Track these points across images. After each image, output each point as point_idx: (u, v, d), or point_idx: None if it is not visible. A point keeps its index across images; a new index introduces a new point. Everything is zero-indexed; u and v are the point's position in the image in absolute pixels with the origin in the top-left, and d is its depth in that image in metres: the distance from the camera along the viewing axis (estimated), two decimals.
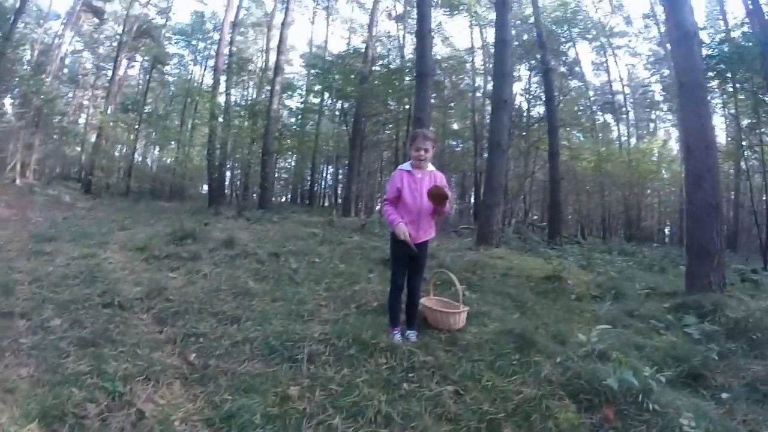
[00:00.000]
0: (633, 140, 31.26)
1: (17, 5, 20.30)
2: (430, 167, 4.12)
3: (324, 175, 38.54)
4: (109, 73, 29.23)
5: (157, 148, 35.10)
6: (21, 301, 4.63)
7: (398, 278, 4.09)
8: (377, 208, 30.08)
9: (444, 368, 3.46)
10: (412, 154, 4.05)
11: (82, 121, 32.64)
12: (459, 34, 47.28)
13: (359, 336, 3.81)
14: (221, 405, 2.91)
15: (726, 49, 15.04)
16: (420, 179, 4.01)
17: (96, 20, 28.25)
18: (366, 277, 6.17)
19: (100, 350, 3.56)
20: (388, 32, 29.67)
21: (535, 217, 29.79)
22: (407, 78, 22.05)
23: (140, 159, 33.11)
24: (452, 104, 28.78)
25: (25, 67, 22.75)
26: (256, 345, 3.77)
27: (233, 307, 4.73)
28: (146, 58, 31.22)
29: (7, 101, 23.52)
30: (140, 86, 33.03)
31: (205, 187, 31.51)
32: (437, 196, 3.92)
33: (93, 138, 28.45)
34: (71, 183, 25.94)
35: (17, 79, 21.58)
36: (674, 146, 30.06)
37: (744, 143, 17.34)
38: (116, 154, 30.17)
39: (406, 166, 4.07)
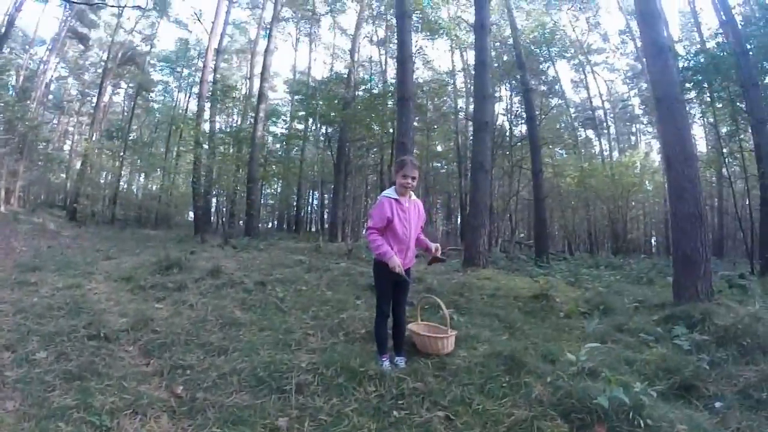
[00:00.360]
0: (615, 154, 31.69)
1: (2, 30, 20.33)
2: (412, 195, 4.13)
3: (310, 200, 38.52)
4: (94, 99, 29.26)
5: (143, 176, 34.94)
6: (6, 332, 4.62)
7: (384, 305, 4.06)
8: (363, 232, 29.98)
9: (434, 394, 3.43)
10: (399, 182, 3.97)
11: (67, 147, 32.63)
12: (440, 58, 47.79)
13: (348, 364, 3.77)
14: None
15: (702, 60, 15.36)
16: (408, 208, 4.01)
17: (81, 47, 28.36)
18: (353, 304, 6.12)
19: (87, 384, 3.54)
20: (370, 57, 30.06)
21: (522, 236, 29.94)
22: (390, 102, 22.25)
23: (125, 186, 32.96)
24: (435, 127, 29.01)
25: (9, 92, 22.72)
26: (244, 376, 3.72)
27: (220, 337, 4.70)
28: (131, 84, 31.33)
29: None
30: (125, 113, 33.04)
31: (191, 215, 31.44)
32: (434, 261, 4.24)
33: (78, 165, 28.28)
34: (56, 210, 25.74)
35: (1, 105, 21.51)
36: (656, 157, 30.55)
37: (724, 150, 17.63)
38: (101, 181, 29.95)
39: (392, 193, 4.00)
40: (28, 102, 23.20)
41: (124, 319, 5.14)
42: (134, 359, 4.20)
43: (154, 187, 33.68)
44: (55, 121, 30.59)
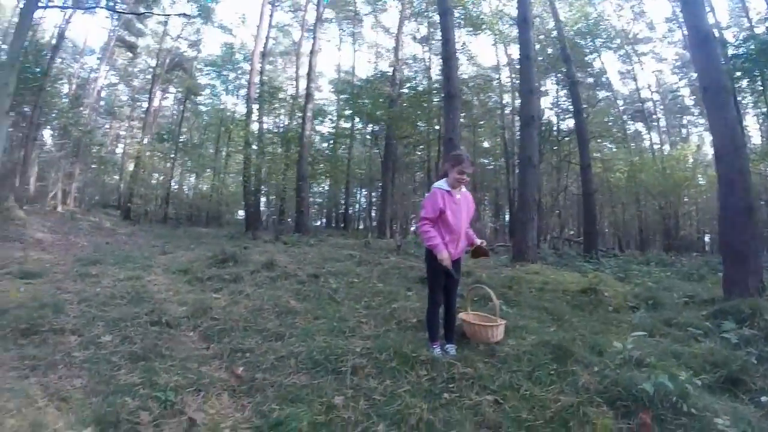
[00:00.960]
0: (666, 148, 30.69)
1: (54, 42, 21.46)
2: (463, 187, 4.23)
3: (358, 198, 38.76)
4: (144, 104, 30.32)
5: (193, 176, 35.80)
6: (72, 318, 4.87)
7: (436, 294, 4.16)
8: (412, 228, 30.08)
9: (483, 379, 3.53)
10: (454, 176, 4.05)
11: (119, 150, 33.73)
12: (484, 53, 47.39)
13: (400, 350, 3.90)
14: (269, 414, 3.04)
15: (752, 47, 14.80)
16: (459, 200, 4.12)
17: (130, 54, 29.31)
18: (404, 296, 6.23)
19: (151, 364, 3.74)
20: (414, 55, 30.04)
21: (571, 233, 29.33)
22: (435, 99, 22.23)
23: (177, 187, 33.73)
24: (482, 123, 28.80)
25: (63, 100, 23.80)
26: (301, 359, 3.89)
27: (277, 324, 4.89)
28: (179, 89, 32.13)
29: (47, 133, 24.89)
30: (175, 116, 33.89)
31: (241, 213, 32.20)
32: (479, 254, 4.29)
33: (131, 167, 29.32)
34: (110, 210, 26.66)
35: (56, 111, 22.73)
36: (709, 151, 29.34)
37: None
38: (153, 182, 30.92)
39: (444, 185, 4.10)
40: (81, 108, 24.23)
41: (184, 308, 5.37)
42: (195, 343, 4.40)
43: (204, 187, 34.45)
44: (107, 126, 31.63)
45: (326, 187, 36.04)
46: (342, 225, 32.93)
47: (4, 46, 21.36)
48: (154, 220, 27.04)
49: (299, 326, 4.87)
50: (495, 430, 2.94)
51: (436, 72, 25.86)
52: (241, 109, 31.01)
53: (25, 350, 3.93)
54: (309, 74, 22.23)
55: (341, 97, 30.07)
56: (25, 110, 20.26)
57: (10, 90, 13.41)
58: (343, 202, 34.89)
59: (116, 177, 31.64)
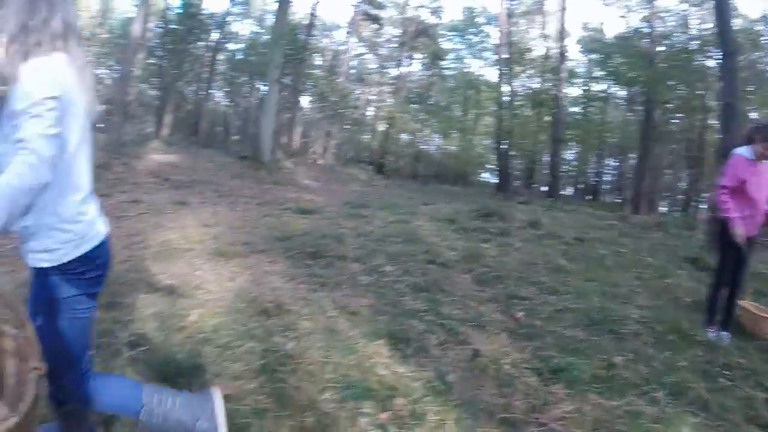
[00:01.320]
0: None
1: (306, 22, 25.65)
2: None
3: (608, 168, 36.17)
4: (391, 71, 32.82)
5: (441, 137, 37.48)
6: (352, 249, 5.42)
7: (723, 274, 3.93)
8: (663, 210, 27.09)
9: (759, 374, 3.33)
10: (760, 149, 3.68)
11: (370, 113, 36.89)
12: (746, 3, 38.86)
13: (678, 325, 3.87)
14: (548, 359, 3.23)
15: None
16: (761, 172, 3.78)
17: (375, 26, 31.45)
18: (675, 273, 5.90)
19: (433, 296, 4.19)
20: (673, 7, 26.44)
21: None
22: (699, 58, 19.60)
23: (425, 146, 35.73)
24: (751, 88, 24.30)
25: (318, 71, 27.84)
26: (578, 315, 4.06)
27: (550, 279, 5.05)
28: (425, 55, 33.67)
29: (306, 98, 29.30)
30: (422, 80, 35.67)
31: (485, 175, 32.98)
32: None
33: (381, 127, 32.07)
34: (364, 165, 29.37)
35: (313, 80, 26.74)
36: None
37: None
38: (402, 141, 33.32)
39: (747, 153, 3.76)
40: (335, 77, 27.67)
41: (454, 252, 5.71)
42: (470, 285, 4.74)
43: (451, 148, 35.59)
44: (359, 92, 34.63)
45: (573, 154, 34.60)
46: (591, 196, 31.34)
47: (261, 30, 27.36)
48: (404, 175, 29.22)
49: (571, 285, 4.96)
50: (764, 429, 2.78)
51: (694, 25, 22.60)
52: (487, 71, 31.24)
53: (313, 270, 4.58)
54: (561, 32, 21.31)
55: (591, 57, 28.31)
56: (285, 81, 23.71)
57: (277, 63, 17.02)
58: (594, 171, 33.26)
59: (368, 136, 34.68)
